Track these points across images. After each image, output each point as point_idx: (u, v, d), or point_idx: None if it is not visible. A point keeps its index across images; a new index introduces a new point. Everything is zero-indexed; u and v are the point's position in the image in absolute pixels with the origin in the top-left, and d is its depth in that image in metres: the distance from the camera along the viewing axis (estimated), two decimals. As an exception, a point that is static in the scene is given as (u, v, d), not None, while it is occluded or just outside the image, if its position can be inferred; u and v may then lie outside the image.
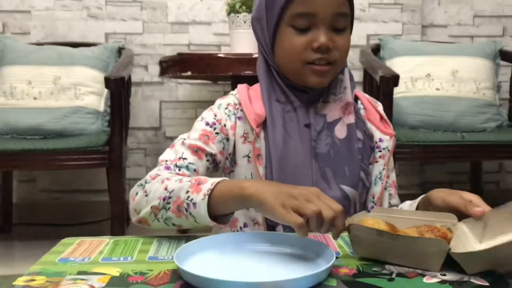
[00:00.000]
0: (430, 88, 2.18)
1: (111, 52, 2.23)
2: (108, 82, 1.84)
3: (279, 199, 0.66)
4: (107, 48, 2.24)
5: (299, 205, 0.65)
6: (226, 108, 0.92)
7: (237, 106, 0.93)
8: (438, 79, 2.19)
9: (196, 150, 0.88)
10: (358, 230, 0.68)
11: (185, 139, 0.90)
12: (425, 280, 0.62)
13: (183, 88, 2.51)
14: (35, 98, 2.07)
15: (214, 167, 0.91)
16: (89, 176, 2.49)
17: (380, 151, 0.95)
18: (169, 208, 0.77)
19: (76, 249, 0.76)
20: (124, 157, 1.95)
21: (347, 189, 0.89)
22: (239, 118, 0.91)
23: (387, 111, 1.84)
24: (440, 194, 0.78)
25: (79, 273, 0.65)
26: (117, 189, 1.92)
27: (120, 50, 2.27)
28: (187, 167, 0.87)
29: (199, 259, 0.68)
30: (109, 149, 1.87)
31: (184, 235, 0.82)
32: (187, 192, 0.75)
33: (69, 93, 2.09)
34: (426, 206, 0.81)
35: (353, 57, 2.47)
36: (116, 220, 1.92)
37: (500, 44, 2.35)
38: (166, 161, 0.88)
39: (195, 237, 0.74)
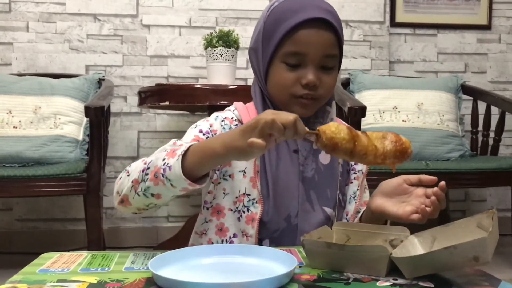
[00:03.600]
0: (396, 120, 2.29)
1: (91, 83, 2.29)
2: (88, 111, 1.89)
3: (245, 138, 0.71)
4: (87, 79, 2.29)
5: (259, 130, 0.70)
6: (222, 121, 0.96)
7: (236, 123, 0.97)
8: (404, 111, 2.31)
9: None
10: (310, 244, 0.75)
11: (176, 141, 0.91)
12: (378, 284, 0.68)
13: (161, 119, 2.58)
14: (15, 127, 2.11)
15: None
16: (65, 205, 2.50)
17: (355, 173, 1.03)
18: (147, 178, 0.80)
19: (56, 262, 0.80)
20: (101, 185, 1.98)
21: (328, 210, 0.97)
22: None
23: (356, 141, 1.94)
24: (376, 203, 0.90)
25: (59, 281, 0.70)
26: (94, 216, 1.94)
27: (100, 81, 2.33)
28: None
29: (172, 267, 0.73)
30: (87, 176, 1.89)
31: (159, 249, 0.87)
32: (164, 159, 0.79)
33: (49, 122, 2.13)
34: (369, 216, 0.93)
35: (325, 90, 2.58)
36: (93, 248, 1.93)
37: (462, 79, 2.50)
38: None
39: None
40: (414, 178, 0.88)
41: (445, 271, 0.70)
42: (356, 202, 1.01)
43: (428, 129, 2.27)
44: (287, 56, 0.91)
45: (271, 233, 0.94)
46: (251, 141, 0.69)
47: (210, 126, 0.96)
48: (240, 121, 0.97)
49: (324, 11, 0.91)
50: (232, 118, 0.98)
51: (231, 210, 0.96)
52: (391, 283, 0.68)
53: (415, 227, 0.83)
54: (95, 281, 0.69)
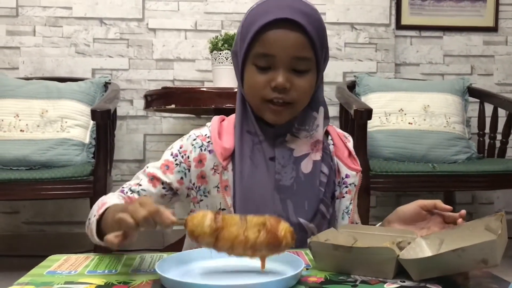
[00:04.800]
0: (403, 122, 2.28)
1: (98, 87, 2.30)
2: (94, 114, 1.90)
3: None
4: (93, 83, 2.30)
5: (114, 224, 0.72)
6: (194, 140, 0.96)
7: (208, 139, 0.96)
8: (410, 113, 2.30)
9: (151, 179, 0.96)
10: (317, 246, 0.74)
11: (148, 167, 0.98)
12: (385, 286, 0.68)
13: (167, 122, 2.58)
14: (22, 131, 2.12)
15: (173, 194, 0.98)
16: (72, 208, 2.51)
17: (346, 186, 0.98)
18: (87, 224, 0.88)
19: (63, 264, 0.80)
20: (108, 188, 1.98)
21: (303, 221, 0.93)
22: (209, 151, 0.95)
23: (361, 143, 1.94)
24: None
25: (66, 283, 0.70)
26: (101, 219, 1.94)
27: (106, 85, 2.33)
28: (138, 192, 0.95)
29: (179, 269, 0.73)
30: (93, 179, 1.90)
31: (166, 252, 0.88)
32: (94, 214, 0.85)
33: (56, 126, 2.14)
34: None
35: (329, 93, 2.58)
36: (99, 251, 1.93)
37: (469, 81, 2.48)
38: (127, 185, 0.97)
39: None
40: (430, 204, 0.86)
41: (453, 273, 0.69)
42: (349, 217, 0.98)
43: (434, 131, 2.26)
44: (257, 58, 0.90)
45: None
46: (106, 238, 0.70)
47: (180, 148, 0.97)
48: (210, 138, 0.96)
49: (295, 11, 0.87)
50: (205, 135, 0.97)
51: None
52: (398, 285, 0.68)
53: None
54: (102, 283, 0.69)
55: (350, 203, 0.98)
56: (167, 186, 0.96)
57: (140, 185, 0.96)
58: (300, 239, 0.92)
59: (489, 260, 0.64)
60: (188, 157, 0.96)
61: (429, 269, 0.68)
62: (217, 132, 0.96)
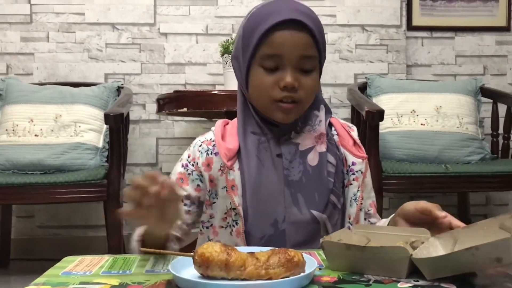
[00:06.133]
0: (415, 123, 2.27)
1: (111, 91, 2.32)
2: (107, 118, 1.91)
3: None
4: (106, 87, 2.33)
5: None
6: (200, 146, 0.99)
7: (213, 142, 0.99)
8: (422, 114, 2.29)
9: None
10: (329, 246, 0.75)
11: None
12: (399, 285, 0.68)
13: (179, 126, 2.60)
14: (36, 135, 2.15)
15: (197, 206, 1.00)
16: (86, 212, 2.53)
17: (353, 174, 1.00)
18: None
19: (78, 265, 0.81)
20: (121, 191, 2.00)
21: (316, 213, 0.94)
22: (215, 154, 0.97)
23: (373, 145, 1.94)
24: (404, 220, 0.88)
25: (81, 283, 0.71)
26: (115, 222, 1.96)
27: (119, 89, 2.36)
28: None
29: (193, 269, 0.73)
30: (107, 183, 1.92)
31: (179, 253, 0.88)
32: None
33: (69, 130, 2.17)
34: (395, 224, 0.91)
35: (341, 95, 2.58)
36: (113, 254, 1.95)
37: (481, 82, 2.46)
38: None
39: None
40: (425, 209, 0.84)
41: (467, 272, 0.69)
42: (357, 204, 0.98)
43: (447, 132, 2.25)
44: (264, 59, 0.91)
45: (258, 241, 0.94)
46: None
47: (189, 157, 0.99)
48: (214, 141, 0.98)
49: (299, 13, 0.91)
50: (210, 139, 0.99)
51: (222, 227, 0.97)
52: (412, 285, 0.67)
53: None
54: (117, 283, 0.70)
55: (358, 190, 0.99)
56: (186, 200, 0.98)
57: None
58: (313, 231, 0.94)
59: (504, 259, 0.63)
60: (197, 163, 0.98)
61: (442, 268, 0.67)
62: (221, 135, 0.98)
